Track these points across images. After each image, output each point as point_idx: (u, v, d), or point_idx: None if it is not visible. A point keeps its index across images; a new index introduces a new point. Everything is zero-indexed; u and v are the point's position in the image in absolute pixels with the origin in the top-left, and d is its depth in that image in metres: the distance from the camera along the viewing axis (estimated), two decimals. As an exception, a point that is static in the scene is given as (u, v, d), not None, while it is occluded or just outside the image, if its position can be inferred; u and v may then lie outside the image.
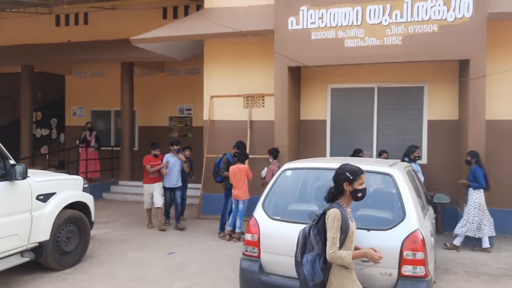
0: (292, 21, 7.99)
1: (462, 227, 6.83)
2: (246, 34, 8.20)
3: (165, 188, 8.31)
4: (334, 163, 4.83)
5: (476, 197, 6.70)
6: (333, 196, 3.16)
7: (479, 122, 7.24)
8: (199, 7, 11.67)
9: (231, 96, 9.34)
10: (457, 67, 8.07)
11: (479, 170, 6.69)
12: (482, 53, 7.20)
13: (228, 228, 7.45)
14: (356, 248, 3.12)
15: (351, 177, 3.09)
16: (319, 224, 3.10)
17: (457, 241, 6.93)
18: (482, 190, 6.72)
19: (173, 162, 8.24)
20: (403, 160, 7.11)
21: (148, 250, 6.70)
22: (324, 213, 3.09)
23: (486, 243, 6.77)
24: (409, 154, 7.62)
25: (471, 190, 6.75)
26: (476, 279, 5.58)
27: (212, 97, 9.46)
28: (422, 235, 3.41)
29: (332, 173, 3.39)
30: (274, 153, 7.78)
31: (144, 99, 13.25)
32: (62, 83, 14.59)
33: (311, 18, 7.88)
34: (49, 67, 13.57)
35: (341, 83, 8.76)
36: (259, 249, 3.80)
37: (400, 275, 3.33)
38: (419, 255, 3.33)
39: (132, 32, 10.94)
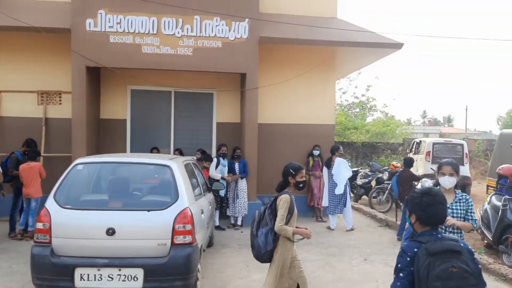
0: (90, 23, 8.21)
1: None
2: (41, 30, 8.04)
3: None
4: (127, 158, 5.51)
5: (244, 183, 8.56)
6: (282, 187, 4.03)
7: (253, 125, 8.88)
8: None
9: (23, 91, 8.93)
10: (239, 78, 9.64)
11: (246, 163, 8.43)
12: (254, 68, 8.85)
13: (19, 227, 7.24)
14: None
15: (294, 172, 3.96)
16: (272, 206, 3.92)
17: (239, 221, 8.47)
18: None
19: None
20: (216, 156, 8.50)
21: None
22: (276, 198, 3.92)
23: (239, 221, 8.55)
24: (218, 150, 8.69)
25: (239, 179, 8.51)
26: (246, 249, 6.99)
27: (1, 91, 8.85)
28: (191, 212, 4.37)
29: (127, 166, 4.06)
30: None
31: None
32: None
33: (109, 22, 8.26)
34: None
35: (141, 85, 9.38)
36: (50, 236, 4.15)
37: (172, 243, 4.20)
38: (188, 227, 4.26)
39: None
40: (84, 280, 4.13)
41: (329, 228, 8.69)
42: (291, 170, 4.01)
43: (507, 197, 6.66)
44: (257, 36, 8.79)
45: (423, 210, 2.36)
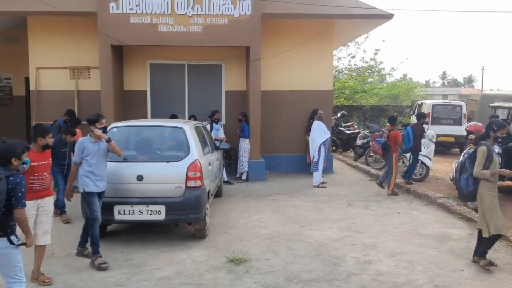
0: (112, 6, 9.39)
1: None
2: (71, 14, 9.28)
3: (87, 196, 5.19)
4: (149, 122, 6.85)
5: (246, 144, 9.72)
6: (481, 138, 4.93)
7: (256, 92, 10.07)
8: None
9: (57, 68, 10.28)
10: (245, 51, 10.72)
11: (246, 126, 9.68)
12: (257, 41, 9.93)
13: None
14: None
15: (496, 128, 4.86)
16: (472, 156, 4.83)
17: (243, 176, 9.85)
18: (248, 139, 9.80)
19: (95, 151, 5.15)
20: (210, 122, 9.69)
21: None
22: (475, 150, 4.83)
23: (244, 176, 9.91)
24: (212, 116, 10.02)
25: (241, 139, 9.76)
26: (249, 198, 8.38)
27: (38, 68, 10.22)
28: (199, 163, 5.69)
29: (149, 129, 5.37)
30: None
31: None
32: None
33: (129, 4, 9.42)
34: None
35: (158, 60, 10.62)
36: (95, 182, 5.56)
37: (186, 186, 5.55)
38: (197, 174, 5.60)
39: None
40: (121, 214, 5.54)
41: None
42: (494, 126, 4.89)
43: (467, 151, 7.77)
44: (259, 12, 9.81)
45: None
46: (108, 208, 5.49)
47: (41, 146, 4.45)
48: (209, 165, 6.38)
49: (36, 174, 4.34)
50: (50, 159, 4.62)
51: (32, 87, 10.29)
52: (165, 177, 5.58)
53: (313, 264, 5.10)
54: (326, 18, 10.26)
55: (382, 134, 11.47)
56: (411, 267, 4.99)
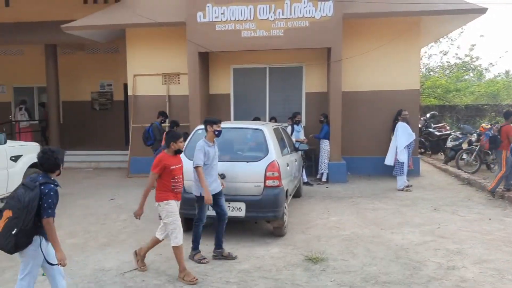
0: (200, 15, 10.01)
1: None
2: (163, 24, 10.07)
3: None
4: (232, 124, 7.20)
5: (326, 145, 9.70)
6: None
7: (337, 94, 10.02)
8: (117, -7, 13.05)
9: (151, 75, 11.20)
10: (326, 52, 10.74)
11: (327, 127, 9.63)
12: (339, 42, 9.90)
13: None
14: None
15: None
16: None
17: (324, 177, 9.87)
18: (328, 141, 9.79)
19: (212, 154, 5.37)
20: (291, 124, 9.91)
21: (92, 198, 8.59)
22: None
23: (324, 177, 9.87)
24: (293, 118, 10.20)
25: (321, 141, 9.77)
26: (329, 199, 8.39)
27: (135, 75, 11.23)
28: (278, 163, 5.88)
29: (232, 130, 5.66)
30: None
31: (65, 76, 14.35)
32: (-20, 61, 15.05)
33: (215, 13, 9.97)
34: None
35: (241, 64, 11.07)
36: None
37: (265, 185, 5.78)
38: (275, 174, 5.79)
39: (54, 15, 12.19)
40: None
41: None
42: None
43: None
44: (341, 13, 9.78)
45: None
46: (193, 203, 5.90)
47: (174, 150, 4.81)
48: (287, 165, 6.54)
49: (176, 177, 4.74)
50: (182, 163, 4.95)
51: (130, 92, 11.33)
52: (245, 176, 5.86)
53: (392, 267, 5.02)
54: (411, 15, 9.90)
55: (492, 128, 10.81)
56: (499, 276, 4.68)
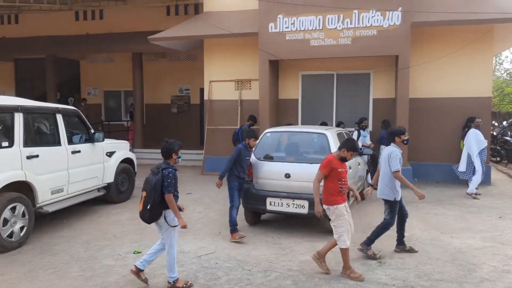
0: (271, 26, 10.69)
1: None
2: (238, 35, 10.89)
3: None
4: (298, 128, 7.78)
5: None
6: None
7: (404, 101, 10.17)
8: (197, 6, 14.20)
9: (225, 81, 12.09)
10: (394, 59, 10.91)
11: (384, 133, 9.77)
12: (406, 50, 10.05)
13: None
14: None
15: None
16: None
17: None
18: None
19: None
20: (357, 129, 10.24)
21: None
22: None
23: None
24: (360, 123, 10.51)
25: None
26: (391, 203, 8.61)
27: (210, 81, 12.19)
28: (340, 165, 6.33)
29: (297, 134, 6.30)
30: None
31: (149, 81, 15.83)
32: (77, 67, 17.06)
33: (285, 24, 10.59)
34: (67, 54, 16.00)
35: (309, 71, 11.59)
36: (252, 177, 6.68)
37: (327, 185, 6.26)
38: (337, 175, 6.25)
39: (141, 26, 13.55)
40: (272, 205, 6.54)
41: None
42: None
43: None
44: (409, 22, 9.93)
45: None
46: (261, 199, 6.57)
47: (341, 157, 5.04)
48: (350, 168, 6.95)
49: (342, 179, 5.01)
50: (347, 168, 5.18)
51: (205, 97, 12.31)
52: (309, 176, 6.33)
53: (447, 267, 5.27)
54: (482, 23, 9.79)
55: None
56: (555, 282, 4.78)
